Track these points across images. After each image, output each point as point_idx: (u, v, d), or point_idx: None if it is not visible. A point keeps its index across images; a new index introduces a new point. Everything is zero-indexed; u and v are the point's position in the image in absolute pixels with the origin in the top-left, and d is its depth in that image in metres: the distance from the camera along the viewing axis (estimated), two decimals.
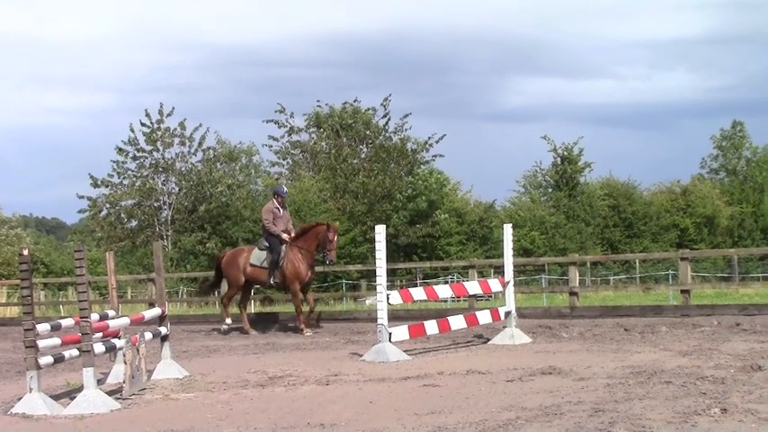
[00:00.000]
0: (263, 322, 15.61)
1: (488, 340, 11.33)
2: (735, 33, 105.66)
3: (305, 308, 14.12)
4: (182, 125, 37.08)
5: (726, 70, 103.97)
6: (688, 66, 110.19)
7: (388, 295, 10.03)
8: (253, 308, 19.43)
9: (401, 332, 10.24)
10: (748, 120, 68.14)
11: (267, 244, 14.17)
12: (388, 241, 10.36)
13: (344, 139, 40.30)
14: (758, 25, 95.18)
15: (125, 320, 8.58)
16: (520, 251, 34.54)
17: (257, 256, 14.30)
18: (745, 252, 35.71)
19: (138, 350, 8.05)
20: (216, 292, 16.37)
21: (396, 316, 13.01)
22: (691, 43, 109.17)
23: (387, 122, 40.46)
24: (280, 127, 40.78)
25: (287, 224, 14.28)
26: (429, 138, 40.42)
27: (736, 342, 10.03)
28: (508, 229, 11.62)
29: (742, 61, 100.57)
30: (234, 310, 15.19)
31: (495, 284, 12.05)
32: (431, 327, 10.73)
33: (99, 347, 7.67)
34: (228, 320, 14.55)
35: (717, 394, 6.49)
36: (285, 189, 15.10)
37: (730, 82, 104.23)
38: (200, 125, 37.60)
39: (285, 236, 14.00)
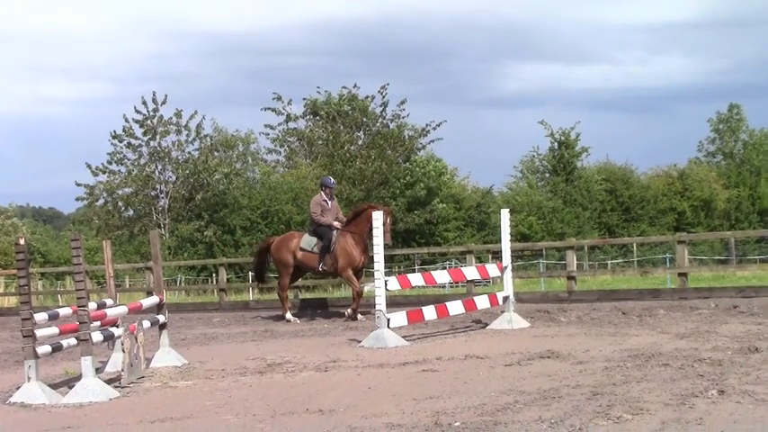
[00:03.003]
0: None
1: (486, 325, 11.34)
2: (731, 16, 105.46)
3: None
4: (177, 114, 37.00)
5: (722, 54, 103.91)
6: (684, 49, 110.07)
7: (386, 281, 10.04)
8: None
9: (399, 318, 10.25)
10: (745, 103, 68.17)
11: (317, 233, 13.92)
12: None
13: (341, 126, 40.22)
14: (754, 8, 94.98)
15: (123, 309, 8.57)
16: (517, 236, 34.55)
17: (308, 241, 14.01)
18: (742, 235, 35.78)
19: (136, 338, 8.06)
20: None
21: (394, 302, 13.00)
22: (687, 27, 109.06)
23: (384, 109, 40.41)
24: (278, 114, 40.70)
25: (336, 215, 14.02)
26: (427, 125, 40.37)
27: (733, 324, 10.05)
28: (506, 215, 11.61)
29: (738, 44, 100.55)
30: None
31: (492, 270, 12.07)
32: (429, 312, 10.74)
33: (97, 336, 7.67)
34: (288, 315, 14.11)
35: (714, 376, 6.51)
36: (333, 180, 14.69)
37: (727, 65, 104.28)
38: (196, 112, 37.51)
39: (336, 223, 13.75)
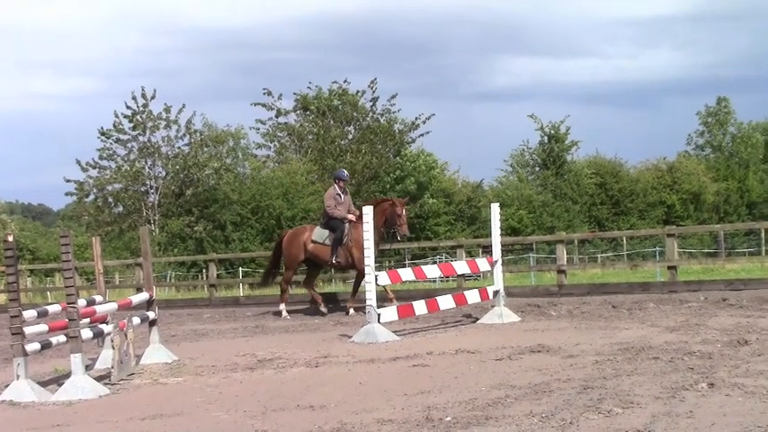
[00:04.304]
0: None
1: (477, 319, 11.35)
2: (719, 10, 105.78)
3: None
4: (167, 109, 36.84)
5: (711, 47, 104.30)
6: (673, 43, 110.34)
7: (376, 276, 10.03)
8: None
9: (390, 313, 10.25)
10: (733, 96, 68.36)
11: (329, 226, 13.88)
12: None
13: (331, 121, 40.15)
14: (742, 2, 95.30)
15: (113, 306, 8.54)
16: (507, 230, 34.58)
17: (319, 233, 13.97)
18: (731, 228, 35.86)
19: (126, 335, 8.02)
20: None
21: (385, 297, 13.01)
22: (675, 21, 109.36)
23: (374, 104, 40.35)
24: (268, 110, 40.57)
25: (348, 209, 14.00)
26: (416, 118, 40.34)
27: (722, 317, 10.09)
28: (496, 209, 11.62)
29: (727, 38, 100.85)
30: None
31: (483, 264, 12.08)
32: (420, 307, 10.74)
33: (87, 333, 7.63)
34: (282, 306, 14.10)
35: (704, 369, 6.53)
36: (346, 173, 14.68)
37: (715, 59, 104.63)
38: (184, 106, 37.31)
39: (351, 216, 13.70)
